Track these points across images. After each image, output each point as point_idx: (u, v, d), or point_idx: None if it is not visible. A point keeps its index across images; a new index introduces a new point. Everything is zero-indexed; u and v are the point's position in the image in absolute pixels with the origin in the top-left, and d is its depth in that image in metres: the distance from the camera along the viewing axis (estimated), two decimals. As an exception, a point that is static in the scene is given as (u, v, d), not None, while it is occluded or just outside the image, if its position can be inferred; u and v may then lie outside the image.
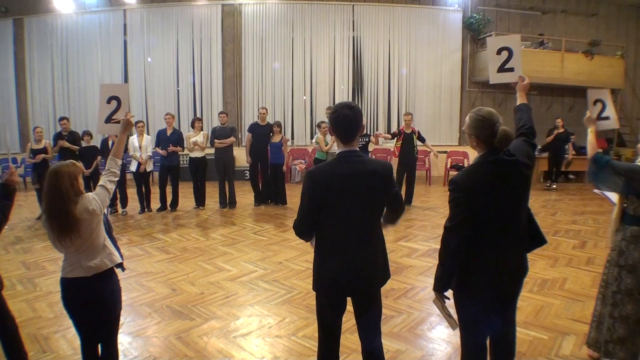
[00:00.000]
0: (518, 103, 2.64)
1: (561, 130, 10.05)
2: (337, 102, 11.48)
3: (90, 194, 2.36)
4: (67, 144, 7.51)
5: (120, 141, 2.65)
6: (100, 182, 2.47)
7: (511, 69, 2.88)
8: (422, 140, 8.25)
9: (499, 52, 2.91)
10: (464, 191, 2.13)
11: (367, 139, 7.83)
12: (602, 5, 12.59)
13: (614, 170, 2.63)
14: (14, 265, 5.08)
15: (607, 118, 3.04)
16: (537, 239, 2.34)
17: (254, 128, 8.18)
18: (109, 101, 2.87)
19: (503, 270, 2.19)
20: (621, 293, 2.71)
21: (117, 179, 2.54)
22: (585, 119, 3.01)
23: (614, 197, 2.91)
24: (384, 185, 2.26)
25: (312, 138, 10.76)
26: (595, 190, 3.30)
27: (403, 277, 4.64)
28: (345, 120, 2.19)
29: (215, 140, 8.01)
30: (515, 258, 2.24)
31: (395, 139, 8.07)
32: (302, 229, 2.28)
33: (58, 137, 7.65)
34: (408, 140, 7.92)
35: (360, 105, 8.06)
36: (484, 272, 2.19)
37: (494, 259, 2.17)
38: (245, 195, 8.76)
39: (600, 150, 2.81)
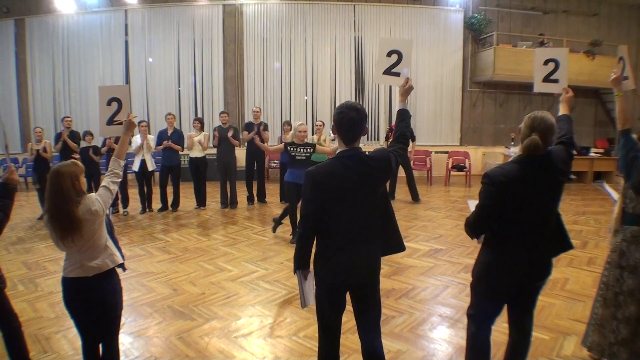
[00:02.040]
0: (560, 114, 2.70)
1: None
2: (338, 102, 11.57)
3: (92, 194, 2.36)
4: (68, 140, 7.51)
5: (122, 142, 2.65)
6: (103, 183, 2.47)
7: (556, 80, 2.96)
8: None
9: (545, 62, 2.98)
10: (494, 185, 2.20)
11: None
12: (604, 6, 12.57)
13: (632, 154, 2.66)
14: (15, 265, 5.08)
15: (626, 78, 3.03)
16: (563, 244, 2.38)
17: (248, 127, 8.20)
18: (109, 103, 2.87)
19: (523, 269, 2.26)
20: (623, 294, 2.70)
21: (120, 180, 2.54)
22: (611, 80, 2.92)
23: (615, 194, 2.91)
24: (385, 178, 2.31)
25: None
26: (598, 186, 3.33)
27: (404, 277, 4.64)
28: (350, 122, 2.21)
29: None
30: (538, 259, 2.28)
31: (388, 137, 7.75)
32: (305, 229, 2.27)
33: (59, 136, 7.67)
34: None
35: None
36: (504, 269, 2.26)
37: (516, 257, 2.24)
38: (246, 196, 8.76)
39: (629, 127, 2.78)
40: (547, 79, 2.98)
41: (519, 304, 2.42)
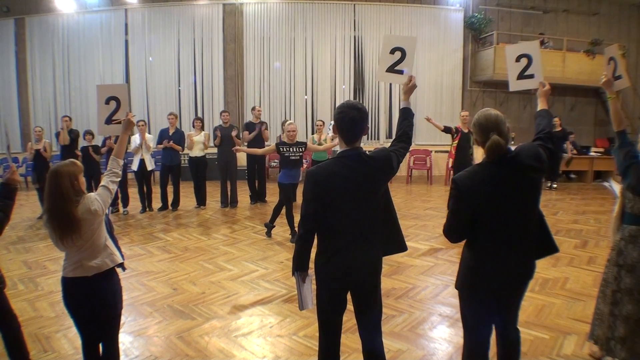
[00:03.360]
0: (539, 108, 2.61)
1: (558, 129, 10.07)
2: (338, 101, 11.57)
3: (92, 194, 2.36)
4: (66, 132, 7.51)
5: (121, 141, 2.65)
6: (102, 183, 2.47)
7: (531, 76, 2.85)
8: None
9: (517, 59, 2.89)
10: (460, 190, 2.14)
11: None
12: (604, 5, 12.56)
13: (629, 155, 2.67)
14: (15, 264, 5.08)
15: (619, 77, 2.98)
16: (547, 247, 2.30)
17: (249, 126, 8.20)
18: (107, 102, 2.86)
19: (505, 272, 2.19)
20: (621, 292, 2.72)
21: (119, 179, 2.54)
22: (602, 82, 2.90)
23: (617, 189, 2.91)
24: (386, 178, 2.30)
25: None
26: (604, 183, 3.33)
27: (404, 276, 4.64)
28: (352, 121, 2.20)
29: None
30: (519, 261, 2.20)
31: (452, 137, 7.19)
32: (305, 229, 2.26)
33: (58, 134, 7.68)
34: (464, 140, 7.00)
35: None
36: (485, 273, 2.20)
37: (496, 260, 2.17)
38: (246, 195, 8.76)
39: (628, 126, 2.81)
40: (521, 76, 2.89)
41: (502, 310, 2.32)
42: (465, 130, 7.11)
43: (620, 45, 11.72)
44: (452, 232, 2.24)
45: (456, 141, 7.12)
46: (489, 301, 2.25)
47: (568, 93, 12.40)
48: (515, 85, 2.92)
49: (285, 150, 5.78)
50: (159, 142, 7.85)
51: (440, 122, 7.52)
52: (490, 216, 2.14)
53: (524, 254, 2.22)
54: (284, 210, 5.96)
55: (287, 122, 6.15)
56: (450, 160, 7.47)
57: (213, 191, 8.59)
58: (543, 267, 4.84)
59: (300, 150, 5.84)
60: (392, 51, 2.75)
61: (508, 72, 2.95)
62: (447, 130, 7.22)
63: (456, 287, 2.34)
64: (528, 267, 2.25)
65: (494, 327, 2.37)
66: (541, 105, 2.63)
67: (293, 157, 5.82)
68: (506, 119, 2.19)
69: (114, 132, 2.95)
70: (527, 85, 2.87)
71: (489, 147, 2.09)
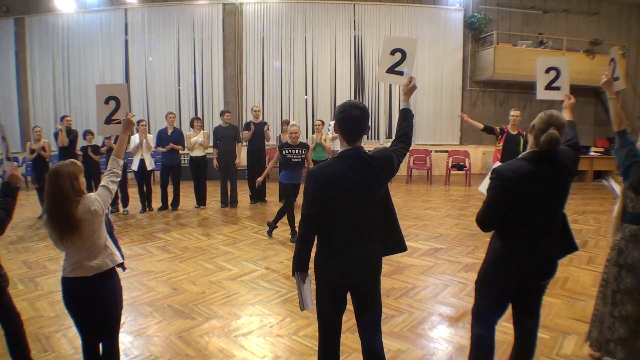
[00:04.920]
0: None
1: None
2: (338, 101, 11.57)
3: (92, 194, 2.36)
4: (64, 134, 7.49)
5: (121, 141, 2.65)
6: (102, 183, 2.47)
7: (557, 88, 3.08)
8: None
9: (547, 70, 3.08)
10: (503, 181, 2.22)
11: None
12: (604, 5, 12.57)
13: (630, 154, 2.69)
14: (15, 264, 5.08)
15: (617, 79, 3.07)
16: (568, 245, 2.40)
17: (248, 126, 8.21)
18: (106, 102, 2.85)
19: (528, 268, 2.26)
20: (621, 292, 2.72)
21: (119, 179, 2.54)
22: (603, 82, 2.97)
23: (618, 190, 2.92)
24: (387, 178, 2.31)
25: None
26: (604, 181, 3.38)
27: (404, 276, 4.64)
28: (354, 121, 2.20)
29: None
30: (543, 258, 2.28)
31: (496, 138, 6.71)
32: (306, 229, 2.26)
33: (57, 135, 7.67)
34: (512, 143, 6.43)
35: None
36: (515, 264, 2.27)
37: (525, 253, 2.25)
38: (246, 195, 8.77)
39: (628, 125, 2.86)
40: (549, 87, 3.09)
41: (523, 304, 2.42)
42: (514, 132, 6.54)
43: (620, 45, 11.75)
44: (486, 220, 2.30)
45: (501, 143, 6.56)
46: (509, 297, 2.35)
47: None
48: (542, 95, 3.14)
49: (287, 152, 5.78)
50: (158, 142, 7.84)
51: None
52: (524, 210, 2.22)
53: (549, 251, 2.30)
54: None
55: (290, 124, 6.14)
56: (491, 161, 7.10)
57: (213, 191, 8.59)
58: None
59: (302, 152, 5.84)
60: (393, 52, 2.75)
61: (537, 81, 3.16)
62: (488, 130, 6.64)
63: (478, 276, 2.43)
64: (552, 264, 2.33)
65: (512, 326, 2.49)
66: (566, 116, 2.72)
67: (295, 160, 5.82)
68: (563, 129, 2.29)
69: (114, 132, 2.94)
70: (554, 96, 3.08)
71: (548, 137, 2.17)
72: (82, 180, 2.36)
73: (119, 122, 2.81)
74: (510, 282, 2.30)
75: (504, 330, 2.96)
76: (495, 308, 2.41)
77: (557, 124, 2.21)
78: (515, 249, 2.27)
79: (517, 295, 2.37)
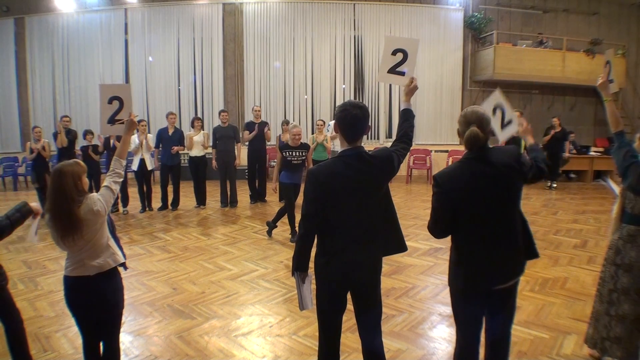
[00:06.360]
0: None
1: (558, 129, 10.06)
2: (338, 101, 11.57)
3: (94, 194, 2.36)
4: (63, 134, 7.48)
5: (124, 142, 2.65)
6: (104, 183, 2.47)
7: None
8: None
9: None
10: (441, 187, 2.19)
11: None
12: (603, 4, 12.56)
13: (628, 155, 2.69)
14: (15, 264, 5.08)
15: (611, 81, 3.04)
16: (529, 251, 2.30)
17: (249, 126, 8.20)
18: (110, 102, 2.86)
19: (489, 268, 2.18)
20: (617, 292, 2.73)
21: (121, 179, 2.53)
22: (598, 84, 2.94)
23: (617, 189, 2.92)
24: (387, 177, 2.31)
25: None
26: (602, 181, 3.37)
27: (404, 276, 4.64)
28: (354, 120, 2.20)
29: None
30: (504, 258, 2.19)
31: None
32: (306, 229, 2.26)
33: (56, 135, 7.67)
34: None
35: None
36: (469, 268, 2.22)
37: (479, 256, 2.19)
38: (246, 195, 8.77)
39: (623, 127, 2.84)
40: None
41: (492, 308, 2.29)
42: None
43: (620, 45, 11.76)
44: (435, 228, 2.28)
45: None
46: (476, 297, 2.24)
47: (568, 93, 12.41)
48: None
49: (287, 154, 5.77)
50: (158, 142, 7.84)
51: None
52: (470, 212, 2.17)
53: (509, 251, 2.21)
54: None
55: (292, 125, 6.14)
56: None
57: (213, 191, 8.59)
58: (543, 266, 4.85)
59: (303, 154, 5.85)
60: (394, 52, 2.74)
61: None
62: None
63: (449, 284, 2.37)
64: (514, 264, 2.24)
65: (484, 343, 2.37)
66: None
67: (295, 162, 5.81)
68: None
69: (117, 132, 2.94)
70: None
71: (468, 136, 2.16)
72: (85, 180, 2.36)
73: (122, 123, 2.82)
74: (471, 286, 2.21)
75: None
76: (467, 315, 2.28)
77: (475, 120, 2.18)
78: (468, 252, 2.21)
79: (483, 300, 2.25)
